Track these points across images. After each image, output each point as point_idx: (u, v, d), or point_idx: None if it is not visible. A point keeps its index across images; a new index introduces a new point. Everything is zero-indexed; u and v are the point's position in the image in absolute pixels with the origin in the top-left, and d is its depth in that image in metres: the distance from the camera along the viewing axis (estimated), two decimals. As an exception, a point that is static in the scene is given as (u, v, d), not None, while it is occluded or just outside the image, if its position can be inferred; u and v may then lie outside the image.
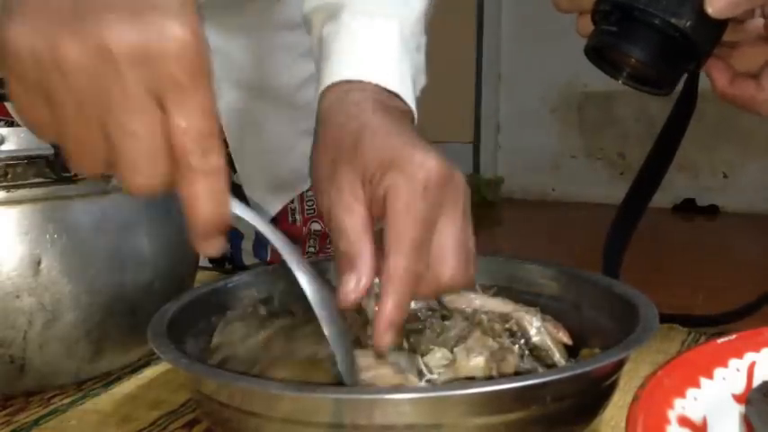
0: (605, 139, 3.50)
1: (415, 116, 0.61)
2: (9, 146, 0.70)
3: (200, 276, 0.74)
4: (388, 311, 0.47)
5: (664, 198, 3.12)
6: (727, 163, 3.35)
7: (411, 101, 0.60)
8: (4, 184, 0.54)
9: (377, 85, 0.58)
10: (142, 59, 0.38)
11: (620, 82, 0.57)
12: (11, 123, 0.86)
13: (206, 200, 0.41)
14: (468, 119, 3.63)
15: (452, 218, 0.50)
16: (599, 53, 0.56)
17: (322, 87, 0.59)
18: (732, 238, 3.18)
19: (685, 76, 0.59)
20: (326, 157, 0.54)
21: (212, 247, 0.42)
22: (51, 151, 0.55)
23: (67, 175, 0.55)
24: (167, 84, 0.39)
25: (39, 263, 0.55)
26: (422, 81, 0.66)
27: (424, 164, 0.49)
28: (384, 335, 0.47)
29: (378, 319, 0.47)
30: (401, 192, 0.49)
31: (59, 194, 0.56)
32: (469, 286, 0.53)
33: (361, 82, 0.58)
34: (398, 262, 0.48)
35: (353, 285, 0.48)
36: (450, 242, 0.50)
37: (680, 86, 0.60)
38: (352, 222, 0.50)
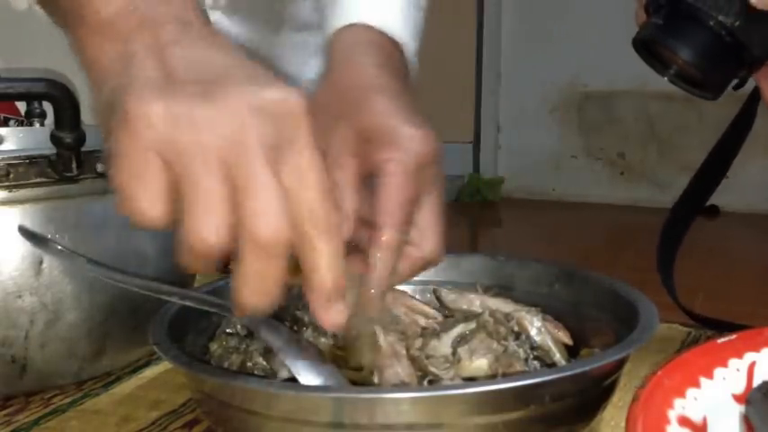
0: (605, 139, 3.49)
1: (416, 69, 0.63)
2: (8, 145, 0.70)
3: (201, 276, 0.74)
4: (377, 279, 0.50)
5: (664, 198, 3.12)
6: (727, 163, 3.34)
7: (412, 54, 0.62)
8: (6, 183, 0.54)
9: (383, 35, 0.60)
10: (263, 115, 0.38)
11: (666, 80, 0.53)
12: (6, 121, 0.86)
13: (328, 266, 0.39)
14: (468, 119, 3.62)
15: (435, 195, 0.53)
16: (647, 47, 0.52)
17: (331, 30, 0.61)
18: (732, 238, 3.18)
19: (741, 88, 0.54)
20: (327, 108, 0.55)
21: (338, 314, 0.40)
22: (53, 151, 0.55)
23: (69, 174, 0.55)
24: (284, 138, 0.38)
25: (40, 263, 0.55)
26: (417, 43, 0.66)
27: (422, 143, 0.52)
28: (373, 301, 0.50)
29: (368, 288, 0.50)
30: (397, 168, 0.51)
31: (61, 194, 0.56)
32: (440, 262, 0.55)
33: (369, 28, 0.60)
34: (391, 235, 0.50)
35: None
36: (433, 219, 0.53)
37: (729, 91, 0.54)
38: (341, 177, 0.52)
